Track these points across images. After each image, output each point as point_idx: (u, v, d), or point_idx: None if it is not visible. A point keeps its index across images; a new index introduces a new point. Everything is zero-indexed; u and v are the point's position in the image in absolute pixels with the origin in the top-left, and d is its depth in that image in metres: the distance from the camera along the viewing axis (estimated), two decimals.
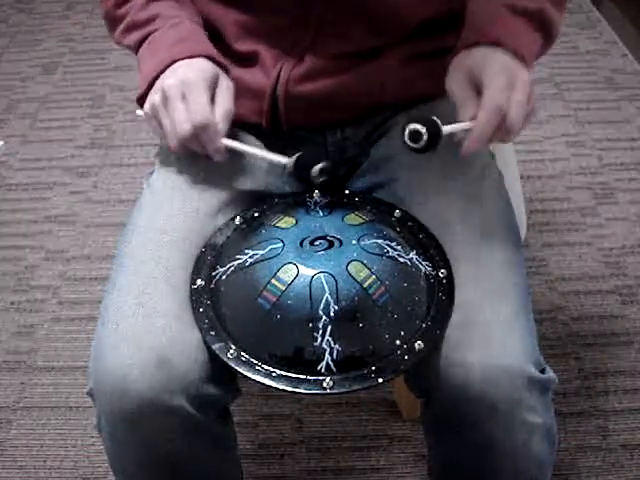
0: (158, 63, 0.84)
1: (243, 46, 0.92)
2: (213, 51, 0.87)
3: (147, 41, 0.89)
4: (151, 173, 0.94)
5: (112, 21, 0.94)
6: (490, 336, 0.75)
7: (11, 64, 2.40)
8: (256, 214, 0.87)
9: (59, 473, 1.27)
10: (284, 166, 0.84)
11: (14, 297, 1.59)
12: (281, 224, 0.81)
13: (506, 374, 0.73)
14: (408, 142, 0.76)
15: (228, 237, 0.84)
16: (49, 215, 1.80)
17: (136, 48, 0.90)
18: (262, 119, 0.93)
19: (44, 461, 1.28)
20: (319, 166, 0.83)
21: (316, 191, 0.88)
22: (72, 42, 2.50)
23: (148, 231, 0.84)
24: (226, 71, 0.87)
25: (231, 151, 0.85)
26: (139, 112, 0.86)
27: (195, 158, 0.91)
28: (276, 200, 0.89)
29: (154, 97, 0.82)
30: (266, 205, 0.88)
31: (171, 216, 0.85)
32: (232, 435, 0.88)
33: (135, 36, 0.90)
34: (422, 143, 0.75)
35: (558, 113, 2.04)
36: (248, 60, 0.92)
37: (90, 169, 1.93)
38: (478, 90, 0.78)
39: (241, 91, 0.92)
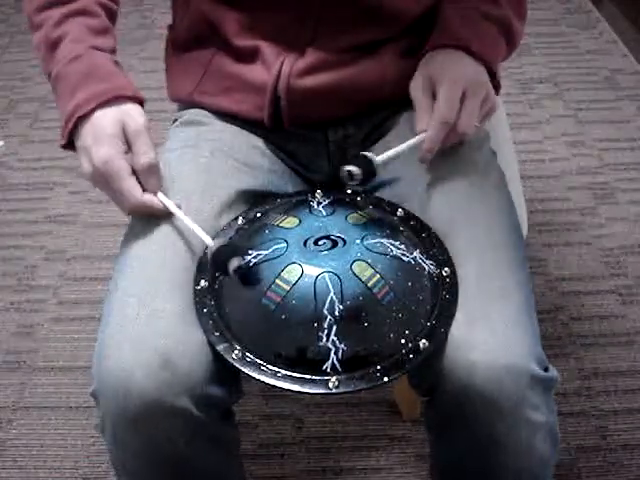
0: (66, 116, 0.81)
1: (243, 42, 0.92)
2: (118, 82, 0.83)
3: (54, 75, 0.84)
4: None
5: (31, 25, 0.89)
6: (493, 334, 0.74)
7: (11, 64, 2.40)
8: (259, 214, 0.87)
9: (59, 473, 1.27)
10: (206, 246, 0.79)
11: (14, 297, 1.59)
12: (284, 224, 0.80)
13: (509, 372, 0.73)
14: (347, 182, 0.80)
15: (231, 238, 0.84)
16: (49, 215, 1.80)
17: (46, 73, 0.86)
18: (263, 115, 0.93)
19: (44, 461, 1.28)
20: (236, 263, 0.74)
21: (319, 191, 0.88)
22: None
23: (150, 232, 0.83)
24: (135, 100, 0.83)
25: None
26: None
27: (196, 158, 0.91)
28: (279, 200, 0.89)
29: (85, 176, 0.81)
30: (269, 205, 0.88)
31: (173, 217, 0.85)
32: (235, 436, 0.88)
33: (44, 56, 0.86)
34: (358, 179, 0.79)
35: (558, 113, 2.04)
36: (248, 56, 0.92)
37: None
38: (435, 97, 0.83)
39: (242, 87, 0.92)
